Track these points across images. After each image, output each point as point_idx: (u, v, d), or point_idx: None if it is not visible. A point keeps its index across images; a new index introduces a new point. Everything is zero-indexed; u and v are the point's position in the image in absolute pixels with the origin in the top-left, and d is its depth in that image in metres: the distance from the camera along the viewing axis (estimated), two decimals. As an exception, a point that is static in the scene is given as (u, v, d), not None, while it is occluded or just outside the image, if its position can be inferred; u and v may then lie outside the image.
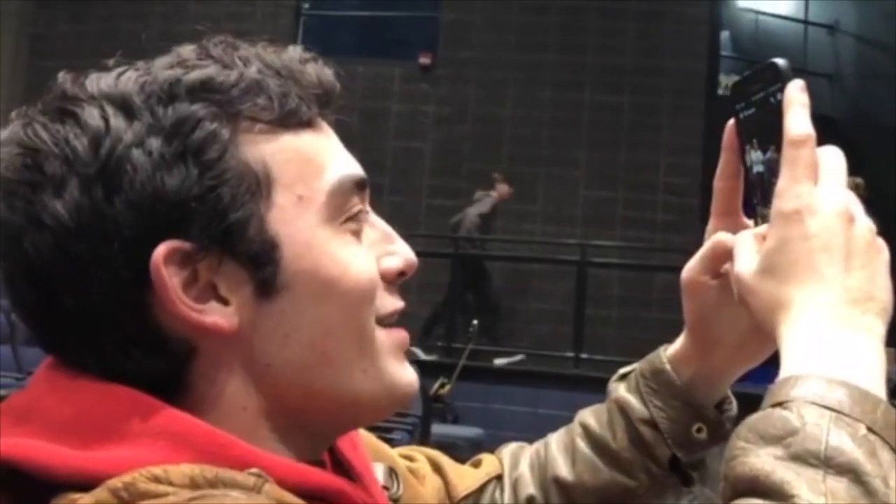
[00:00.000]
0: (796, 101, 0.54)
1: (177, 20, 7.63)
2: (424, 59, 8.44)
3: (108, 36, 7.48)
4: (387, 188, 7.95)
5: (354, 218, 0.54)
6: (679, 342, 0.66)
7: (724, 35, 8.65)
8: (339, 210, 0.53)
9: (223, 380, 0.50)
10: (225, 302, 0.50)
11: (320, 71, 0.55)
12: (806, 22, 9.30)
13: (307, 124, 0.53)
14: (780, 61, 0.56)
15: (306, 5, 8.77)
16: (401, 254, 0.56)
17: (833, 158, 0.53)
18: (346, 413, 0.54)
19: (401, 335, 0.56)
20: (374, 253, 0.55)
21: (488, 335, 7.02)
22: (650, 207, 7.69)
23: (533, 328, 7.45)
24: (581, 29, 8.14)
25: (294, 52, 0.55)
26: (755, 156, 0.58)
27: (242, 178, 0.50)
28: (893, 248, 0.53)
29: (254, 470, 0.45)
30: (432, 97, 8.42)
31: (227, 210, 0.49)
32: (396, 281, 0.56)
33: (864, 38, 9.06)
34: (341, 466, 0.57)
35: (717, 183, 0.62)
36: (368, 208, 0.57)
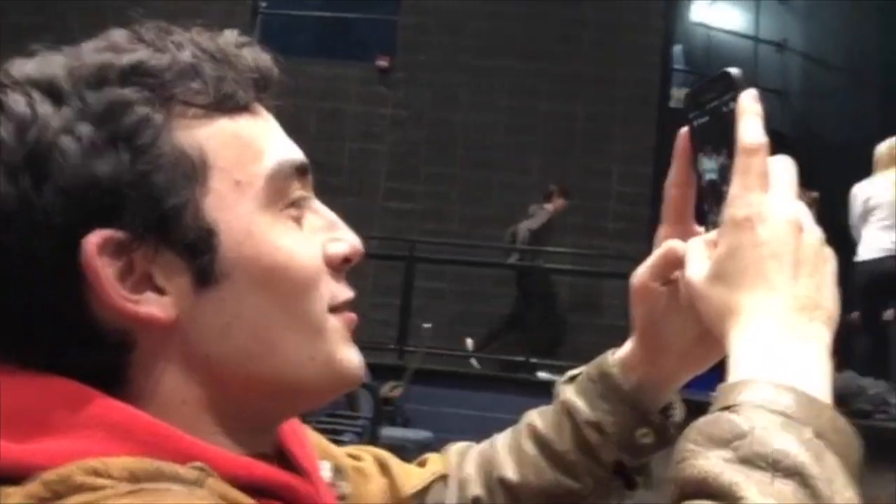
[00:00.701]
0: (749, 110, 0.54)
1: (130, 17, 7.49)
2: (382, 62, 8.42)
3: (60, 33, 7.30)
4: (343, 189, 7.91)
5: (295, 204, 0.53)
6: (627, 347, 0.66)
7: (677, 49, 8.80)
8: (279, 195, 0.52)
9: (161, 372, 0.49)
10: (162, 292, 0.48)
11: (257, 55, 0.54)
12: (756, 39, 9.52)
13: (244, 109, 0.52)
14: (734, 70, 0.57)
15: (264, 4, 8.67)
16: (346, 240, 0.55)
17: (784, 168, 0.54)
18: (289, 399, 0.54)
19: (348, 317, 0.55)
20: (317, 239, 0.54)
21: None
22: (602, 215, 7.77)
23: (484, 332, 7.47)
24: (538, 36, 8.21)
25: (230, 36, 0.54)
26: (708, 163, 0.58)
27: (177, 164, 0.48)
28: (840, 259, 0.55)
29: (196, 464, 0.44)
30: (389, 100, 8.40)
31: (162, 197, 0.48)
32: (342, 268, 0.55)
33: (810, 56, 9.30)
34: (288, 462, 0.56)
35: (669, 189, 0.62)
36: (311, 195, 0.55)
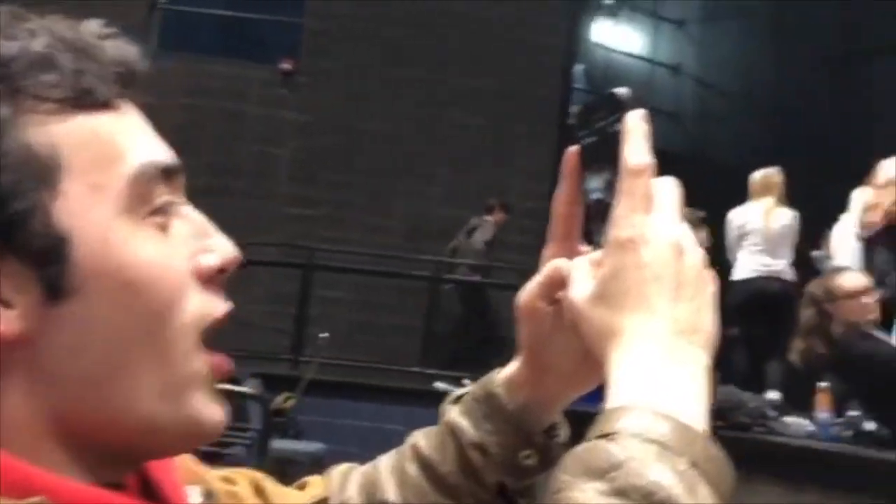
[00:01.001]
0: (635, 131, 0.54)
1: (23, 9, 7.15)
2: (286, 65, 8.30)
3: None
4: (242, 192, 7.75)
5: (161, 210, 0.48)
6: (513, 366, 0.65)
7: (579, 68, 9.04)
8: (142, 201, 0.47)
9: (3, 392, 0.44)
10: (7, 304, 0.44)
11: (122, 47, 0.50)
12: (652, 61, 9.88)
13: (105, 105, 0.48)
14: (622, 90, 0.57)
15: (162, 0, 8.43)
16: (218, 248, 0.51)
17: (669, 189, 0.54)
18: (141, 441, 0.48)
19: (215, 361, 0.50)
20: (185, 249, 0.50)
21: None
22: (503, 229, 7.88)
23: (382, 342, 7.44)
24: (445, 49, 8.28)
25: (92, 25, 0.49)
26: (595, 182, 0.58)
27: (25, 164, 0.44)
28: (722, 277, 0.56)
29: (35, 499, 0.40)
30: (292, 103, 8.29)
31: (7, 200, 0.43)
32: (217, 279, 0.51)
33: (703, 80, 9.71)
34: (149, 488, 0.51)
35: (557, 208, 0.62)
36: (181, 199, 0.51)
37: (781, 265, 5.81)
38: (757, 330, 5.95)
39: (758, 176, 5.87)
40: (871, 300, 3.81)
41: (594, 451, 0.44)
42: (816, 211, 5.71)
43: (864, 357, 3.61)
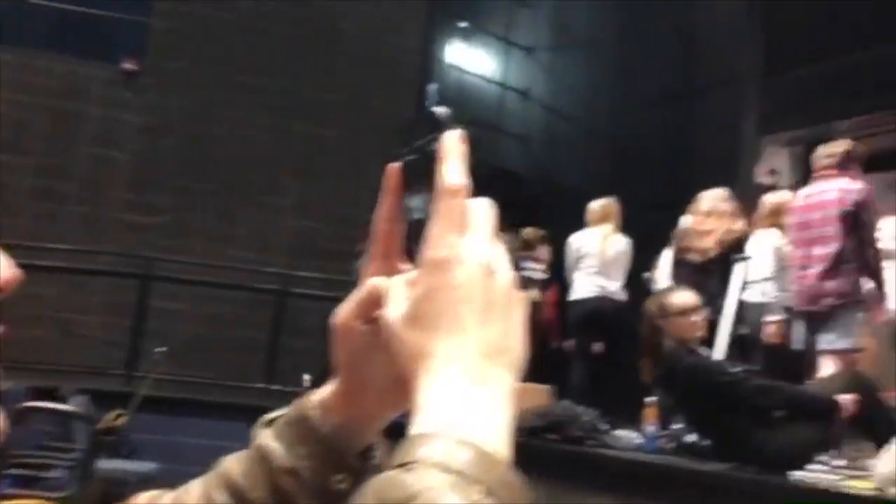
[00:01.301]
0: (452, 151, 0.54)
1: None
2: (129, 65, 7.91)
3: None
4: (73, 197, 7.30)
5: None
6: (328, 387, 0.64)
7: (432, 86, 9.14)
8: None
9: None
10: None
11: None
12: (503, 85, 10.18)
13: None
14: (440, 110, 0.57)
15: (-9, -14, 7.84)
16: None
17: (483, 210, 0.54)
18: None
19: None
20: None
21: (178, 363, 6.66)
22: (351, 241, 7.83)
23: (224, 357, 7.19)
24: (300, 59, 8.17)
25: None
26: (415, 201, 0.58)
27: None
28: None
29: None
30: (136, 105, 7.90)
31: None
32: None
33: (550, 106, 10.11)
34: None
35: (378, 225, 0.61)
36: None
37: (615, 287, 6.26)
38: (592, 347, 6.33)
39: (596, 206, 6.35)
40: (699, 318, 4.07)
41: (391, 482, 0.44)
42: (647, 236, 6.10)
43: (688, 372, 3.82)
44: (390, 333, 0.52)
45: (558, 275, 6.92)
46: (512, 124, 10.16)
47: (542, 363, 7.20)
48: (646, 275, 6.02)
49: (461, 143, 0.55)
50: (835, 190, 4.61)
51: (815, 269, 4.59)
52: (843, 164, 4.68)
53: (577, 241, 6.36)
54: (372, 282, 0.59)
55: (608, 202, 6.33)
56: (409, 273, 0.55)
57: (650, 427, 4.24)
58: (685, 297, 4.07)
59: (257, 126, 8.01)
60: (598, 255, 6.24)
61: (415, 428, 0.47)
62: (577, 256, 6.36)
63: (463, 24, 9.75)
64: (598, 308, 6.21)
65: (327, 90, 8.15)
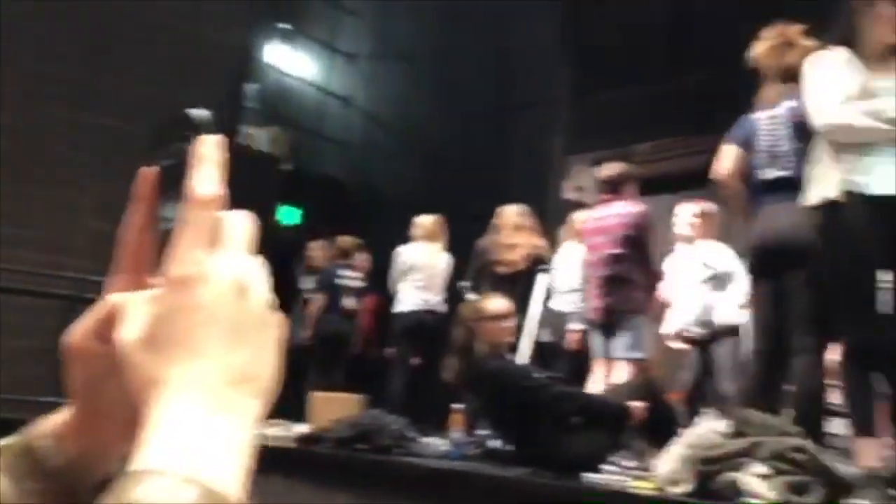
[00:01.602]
0: (206, 158, 0.49)
1: None
2: None
3: None
4: None
5: None
6: (62, 414, 0.58)
7: (252, 87, 8.93)
8: None
9: None
10: None
11: None
12: (325, 91, 10.11)
13: None
14: (196, 112, 0.52)
15: None
16: None
17: (238, 224, 0.50)
18: None
19: None
20: None
21: None
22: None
23: (7, 369, 6.60)
24: (106, 50, 7.69)
25: None
26: (168, 211, 0.52)
27: None
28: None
29: None
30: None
31: None
32: None
33: (371, 114, 10.14)
34: None
35: (126, 235, 0.55)
36: None
37: (436, 300, 6.52)
38: (413, 357, 6.51)
39: (428, 221, 6.57)
40: (511, 324, 4.25)
41: None
42: (463, 246, 6.29)
43: (493, 375, 3.94)
44: (123, 357, 0.47)
45: (378, 283, 6.97)
46: (333, 130, 10.10)
47: (357, 371, 7.20)
48: (461, 284, 6.21)
49: (218, 149, 0.50)
50: (614, 215, 5.05)
51: (601, 289, 5.05)
52: (618, 188, 5.14)
53: (406, 255, 6.54)
54: (111, 298, 0.53)
55: (437, 219, 6.58)
56: (150, 291, 0.49)
57: (456, 434, 4.32)
58: (499, 304, 4.24)
59: (54, 119, 7.44)
60: (424, 269, 6.46)
61: (136, 464, 0.42)
62: (402, 269, 6.54)
63: (286, 27, 9.59)
64: (422, 321, 6.45)
65: (136, 85, 7.72)
